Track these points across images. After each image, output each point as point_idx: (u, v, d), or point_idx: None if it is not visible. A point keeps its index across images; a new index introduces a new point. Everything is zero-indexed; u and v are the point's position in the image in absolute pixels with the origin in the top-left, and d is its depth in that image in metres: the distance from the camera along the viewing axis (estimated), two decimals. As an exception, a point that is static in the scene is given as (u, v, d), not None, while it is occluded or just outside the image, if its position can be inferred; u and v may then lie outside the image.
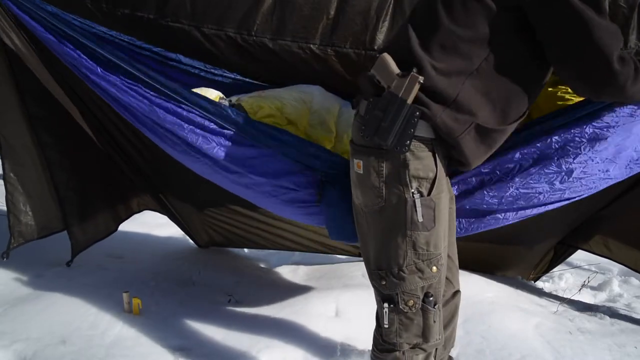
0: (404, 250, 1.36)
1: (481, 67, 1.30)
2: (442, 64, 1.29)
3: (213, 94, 1.94)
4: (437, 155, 1.34)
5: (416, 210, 1.33)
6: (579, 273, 3.18)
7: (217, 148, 1.75)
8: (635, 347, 2.19)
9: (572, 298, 2.76)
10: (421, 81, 1.27)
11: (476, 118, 1.32)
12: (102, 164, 2.49)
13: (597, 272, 3.09)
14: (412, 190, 1.33)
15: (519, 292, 2.79)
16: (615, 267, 3.12)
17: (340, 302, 2.41)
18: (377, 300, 1.47)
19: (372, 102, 1.35)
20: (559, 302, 2.67)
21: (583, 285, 2.87)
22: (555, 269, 3.02)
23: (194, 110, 1.75)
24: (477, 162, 1.43)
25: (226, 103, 1.94)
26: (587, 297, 2.86)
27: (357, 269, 2.85)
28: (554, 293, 2.91)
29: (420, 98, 1.29)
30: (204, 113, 1.74)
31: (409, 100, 1.28)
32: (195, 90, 1.94)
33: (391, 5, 1.92)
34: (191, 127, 1.75)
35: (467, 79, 1.30)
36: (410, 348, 1.43)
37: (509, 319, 2.32)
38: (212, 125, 1.74)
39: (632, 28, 1.93)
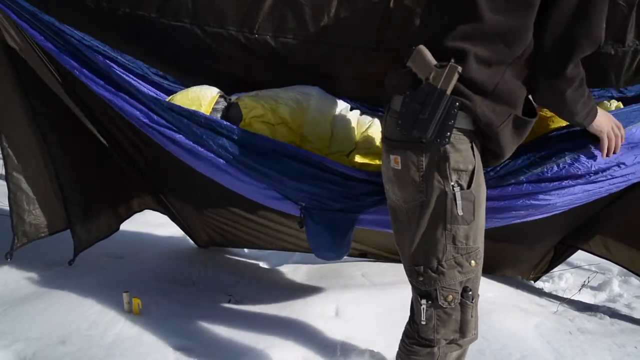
0: (444, 244, 1.34)
1: (524, 54, 1.30)
2: (485, 52, 1.28)
3: (213, 92, 1.96)
4: (475, 148, 1.33)
5: (456, 204, 1.31)
6: (579, 273, 3.18)
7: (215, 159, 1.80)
8: (635, 347, 2.19)
9: (572, 298, 2.77)
10: (460, 71, 1.26)
11: (514, 109, 1.32)
12: (104, 163, 2.49)
13: (597, 272, 3.10)
14: (452, 183, 1.31)
15: (519, 292, 2.80)
16: (615, 267, 3.12)
17: (340, 302, 2.41)
18: (413, 296, 1.45)
19: (409, 95, 1.33)
20: (559, 302, 2.68)
21: (583, 285, 2.87)
22: (555, 269, 3.03)
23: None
24: (509, 154, 1.44)
25: (224, 102, 1.96)
26: (587, 297, 2.87)
27: (357, 269, 2.86)
28: (554, 293, 2.92)
29: (459, 89, 1.28)
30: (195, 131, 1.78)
31: (449, 91, 1.27)
32: (195, 87, 1.96)
33: (391, 4, 1.92)
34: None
35: (508, 68, 1.29)
36: (447, 344, 1.42)
37: (509, 319, 2.32)
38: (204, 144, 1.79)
39: (630, 27, 1.94)
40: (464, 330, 1.40)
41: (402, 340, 1.51)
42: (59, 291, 2.23)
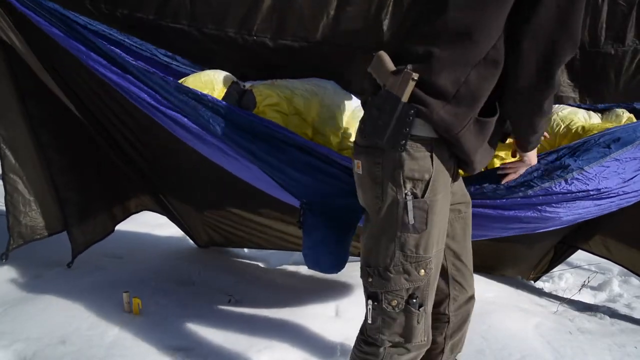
0: (392, 250, 1.33)
1: (489, 55, 1.25)
2: (449, 53, 1.24)
3: (229, 76, 1.94)
4: (435, 156, 1.30)
5: (407, 212, 1.29)
6: (579, 273, 3.18)
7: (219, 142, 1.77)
8: (635, 347, 2.19)
9: (572, 298, 2.77)
10: (415, 78, 1.23)
11: (475, 112, 1.29)
12: (101, 165, 2.49)
13: (597, 272, 3.09)
14: (406, 192, 1.29)
15: (519, 292, 2.80)
16: (616, 267, 3.12)
17: (340, 302, 2.41)
18: (364, 295, 1.45)
19: (370, 101, 1.33)
20: (559, 302, 2.68)
21: (583, 285, 2.87)
22: (555, 269, 3.02)
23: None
24: (478, 158, 1.38)
25: (237, 88, 1.95)
26: (587, 297, 2.87)
27: (357, 269, 2.81)
28: (554, 293, 2.92)
29: (418, 95, 1.25)
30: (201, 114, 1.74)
31: (404, 98, 1.25)
32: (209, 71, 1.95)
33: (391, 4, 1.92)
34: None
35: (473, 70, 1.25)
36: (392, 346, 1.41)
37: (509, 319, 2.32)
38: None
39: (630, 26, 1.95)
40: (408, 335, 1.38)
41: (357, 335, 1.51)
42: (58, 291, 2.23)
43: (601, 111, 2.11)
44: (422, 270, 1.34)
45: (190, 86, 1.85)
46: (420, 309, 1.37)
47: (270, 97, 1.90)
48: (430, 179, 1.30)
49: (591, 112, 2.07)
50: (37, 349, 1.85)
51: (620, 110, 2.04)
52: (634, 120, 2.00)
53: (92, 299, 2.19)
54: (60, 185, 2.31)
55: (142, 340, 1.97)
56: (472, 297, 1.62)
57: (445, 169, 1.34)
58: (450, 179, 1.38)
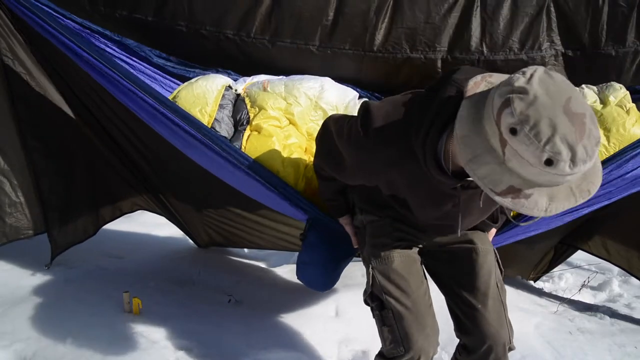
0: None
1: None
2: None
3: (219, 85, 1.94)
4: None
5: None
6: (579, 273, 3.18)
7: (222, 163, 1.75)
8: (635, 347, 2.20)
9: (572, 298, 2.77)
10: None
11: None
12: (92, 168, 2.49)
13: (597, 272, 3.09)
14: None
15: (519, 292, 2.80)
16: (616, 267, 3.11)
17: (340, 302, 2.41)
18: None
19: None
20: (559, 302, 2.68)
21: (583, 285, 2.87)
22: (555, 269, 3.02)
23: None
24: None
25: (233, 94, 1.95)
26: (587, 297, 2.87)
27: (357, 269, 2.84)
28: (554, 293, 2.92)
29: None
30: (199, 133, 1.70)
31: None
32: (201, 81, 1.94)
33: (390, 7, 1.92)
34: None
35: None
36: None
37: (508, 319, 2.32)
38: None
39: (630, 27, 1.94)
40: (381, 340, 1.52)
41: None
42: (59, 291, 2.24)
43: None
44: (368, 275, 1.51)
45: (183, 101, 1.84)
46: (383, 312, 1.46)
47: (263, 110, 1.91)
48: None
49: (585, 90, 2.03)
50: (37, 349, 1.85)
51: (618, 85, 2.00)
52: (629, 97, 1.97)
53: (93, 299, 2.19)
54: (44, 188, 2.33)
55: (142, 340, 1.96)
56: (488, 346, 1.44)
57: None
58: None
